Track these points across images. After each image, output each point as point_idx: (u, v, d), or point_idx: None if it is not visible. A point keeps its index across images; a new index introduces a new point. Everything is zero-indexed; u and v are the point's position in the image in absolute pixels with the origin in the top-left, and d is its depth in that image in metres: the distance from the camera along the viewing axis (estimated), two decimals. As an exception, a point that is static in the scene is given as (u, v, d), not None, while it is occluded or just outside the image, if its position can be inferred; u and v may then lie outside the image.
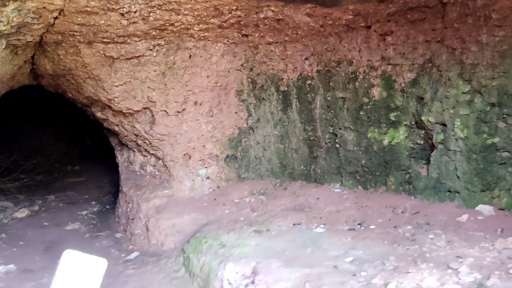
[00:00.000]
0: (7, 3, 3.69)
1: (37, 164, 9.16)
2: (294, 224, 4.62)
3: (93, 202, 7.48)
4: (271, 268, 3.65)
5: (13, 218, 6.56)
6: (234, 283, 3.79)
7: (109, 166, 8.07)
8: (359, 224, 4.45)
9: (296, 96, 5.65)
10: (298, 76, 5.56)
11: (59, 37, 4.56)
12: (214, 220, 5.17)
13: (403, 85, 4.72)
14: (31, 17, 4.01)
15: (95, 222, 6.83)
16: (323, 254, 3.87)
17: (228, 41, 5.43)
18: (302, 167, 5.80)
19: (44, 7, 3.93)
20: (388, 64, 4.79)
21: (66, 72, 5.23)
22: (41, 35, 4.46)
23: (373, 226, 4.38)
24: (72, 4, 4.03)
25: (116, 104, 5.39)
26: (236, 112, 5.96)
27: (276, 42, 5.46)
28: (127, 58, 5.02)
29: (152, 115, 5.58)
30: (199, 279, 4.23)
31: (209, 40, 5.33)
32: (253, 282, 3.62)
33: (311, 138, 5.64)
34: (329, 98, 5.33)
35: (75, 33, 4.51)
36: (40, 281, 4.64)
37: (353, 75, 5.06)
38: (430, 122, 4.53)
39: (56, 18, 4.20)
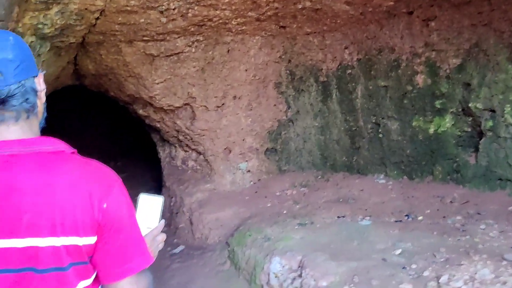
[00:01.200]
0: (51, 6, 3.77)
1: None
2: (338, 217, 4.57)
3: (137, 198, 7.62)
4: (317, 262, 3.62)
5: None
6: (281, 276, 3.79)
7: (151, 162, 8.21)
8: (406, 215, 4.35)
9: (336, 86, 5.56)
10: (338, 66, 5.47)
11: (101, 37, 4.63)
12: (257, 213, 5.18)
13: (448, 71, 4.57)
14: (74, 19, 4.08)
15: (139, 217, 6.95)
16: (370, 247, 3.81)
17: (266, 34, 5.39)
18: (344, 158, 5.72)
19: (86, 8, 3.99)
20: (432, 50, 4.64)
21: (108, 72, 5.33)
22: (83, 36, 4.54)
23: (421, 217, 4.28)
24: (113, 4, 4.08)
25: (157, 101, 5.46)
26: (275, 105, 5.94)
27: (315, 32, 5.38)
28: (167, 55, 5.06)
29: (193, 111, 5.62)
30: (245, 272, 4.25)
31: (246, 34, 5.31)
32: (300, 276, 3.61)
33: (353, 129, 5.55)
34: (370, 87, 5.22)
35: (116, 33, 4.58)
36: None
37: (396, 62, 4.93)
38: (478, 108, 4.36)
39: (97, 18, 4.26)
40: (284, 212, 5.05)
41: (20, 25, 3.71)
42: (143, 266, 1.29)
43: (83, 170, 1.24)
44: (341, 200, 5.05)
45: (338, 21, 5.02)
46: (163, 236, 1.54)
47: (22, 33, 3.80)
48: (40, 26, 3.92)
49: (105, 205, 1.22)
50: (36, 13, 3.78)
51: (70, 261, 1.19)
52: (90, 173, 1.25)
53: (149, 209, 1.53)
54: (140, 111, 5.95)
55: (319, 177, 5.83)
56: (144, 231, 1.45)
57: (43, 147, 1.22)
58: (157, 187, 7.53)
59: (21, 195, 1.15)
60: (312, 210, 4.88)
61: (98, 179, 1.25)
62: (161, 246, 1.55)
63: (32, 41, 4.01)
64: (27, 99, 1.21)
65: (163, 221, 1.56)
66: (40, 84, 1.27)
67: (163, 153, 6.74)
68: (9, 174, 1.15)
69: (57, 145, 1.24)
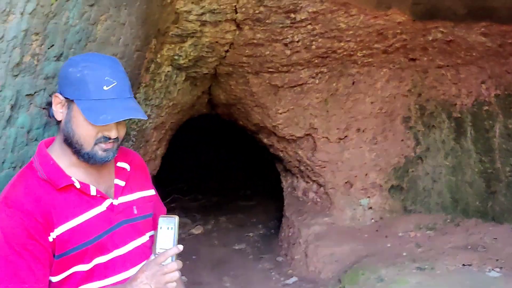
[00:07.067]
0: (185, 40, 4.16)
1: (214, 187, 10.00)
2: (463, 265, 4.14)
3: (260, 226, 7.79)
4: (431, 310, 3.31)
5: (189, 233, 7.21)
6: (389, 321, 3.53)
7: (278, 192, 8.37)
8: (546, 272, 3.78)
9: (471, 124, 5.12)
10: (473, 102, 5.05)
11: (230, 68, 4.94)
12: (374, 253, 4.93)
13: None
14: (206, 51, 4.43)
15: (259, 244, 7.10)
16: (496, 302, 3.37)
17: (394, 66, 5.23)
18: (478, 203, 5.18)
19: (216, 42, 4.31)
20: None
21: (237, 101, 5.63)
22: (215, 67, 4.89)
23: None
24: (241, 37, 4.34)
25: (280, 130, 5.59)
26: (402, 140, 5.66)
27: (447, 66, 5.06)
28: (291, 86, 5.19)
29: (314, 142, 5.63)
30: (354, 312, 4.05)
31: (373, 66, 5.21)
32: (409, 323, 3.32)
33: (488, 171, 5.02)
34: (510, 126, 4.70)
35: (244, 64, 4.84)
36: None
37: (541, 98, 4.40)
38: None
39: (227, 51, 4.57)
40: (404, 254, 4.73)
41: (158, 55, 4.15)
42: None
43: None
44: (469, 247, 4.57)
45: (474, 54, 4.66)
46: (175, 266, 1.58)
47: (160, 63, 4.24)
48: (176, 57, 4.34)
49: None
50: (173, 45, 4.19)
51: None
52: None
53: (166, 230, 1.63)
54: (265, 140, 6.14)
55: (448, 221, 5.36)
56: (158, 252, 1.61)
57: None
58: (279, 217, 7.62)
59: None
60: (435, 255, 4.49)
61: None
62: (173, 277, 1.57)
63: (168, 71, 4.45)
64: None
65: (179, 246, 1.61)
66: None
67: (285, 183, 6.82)
68: None
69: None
